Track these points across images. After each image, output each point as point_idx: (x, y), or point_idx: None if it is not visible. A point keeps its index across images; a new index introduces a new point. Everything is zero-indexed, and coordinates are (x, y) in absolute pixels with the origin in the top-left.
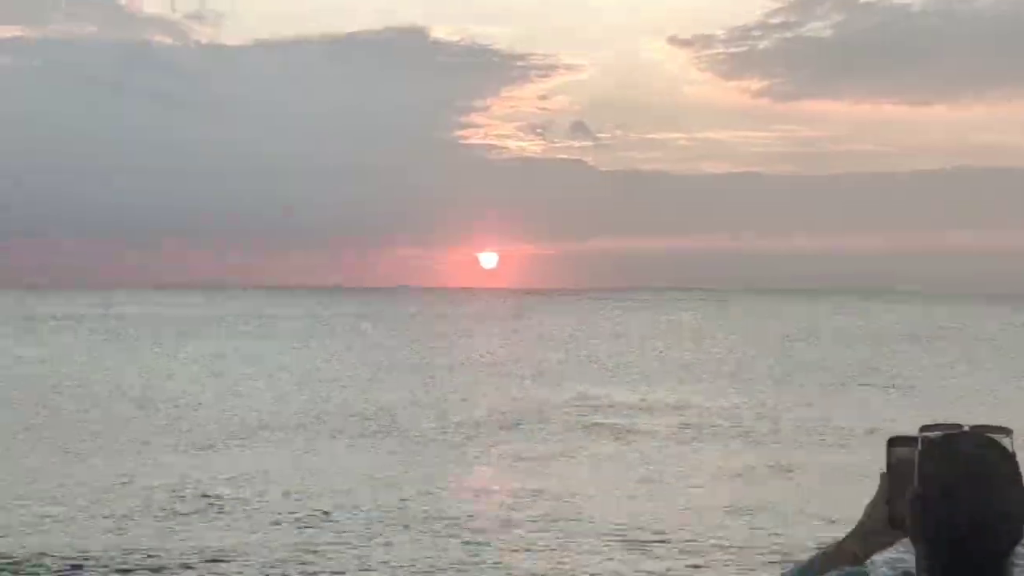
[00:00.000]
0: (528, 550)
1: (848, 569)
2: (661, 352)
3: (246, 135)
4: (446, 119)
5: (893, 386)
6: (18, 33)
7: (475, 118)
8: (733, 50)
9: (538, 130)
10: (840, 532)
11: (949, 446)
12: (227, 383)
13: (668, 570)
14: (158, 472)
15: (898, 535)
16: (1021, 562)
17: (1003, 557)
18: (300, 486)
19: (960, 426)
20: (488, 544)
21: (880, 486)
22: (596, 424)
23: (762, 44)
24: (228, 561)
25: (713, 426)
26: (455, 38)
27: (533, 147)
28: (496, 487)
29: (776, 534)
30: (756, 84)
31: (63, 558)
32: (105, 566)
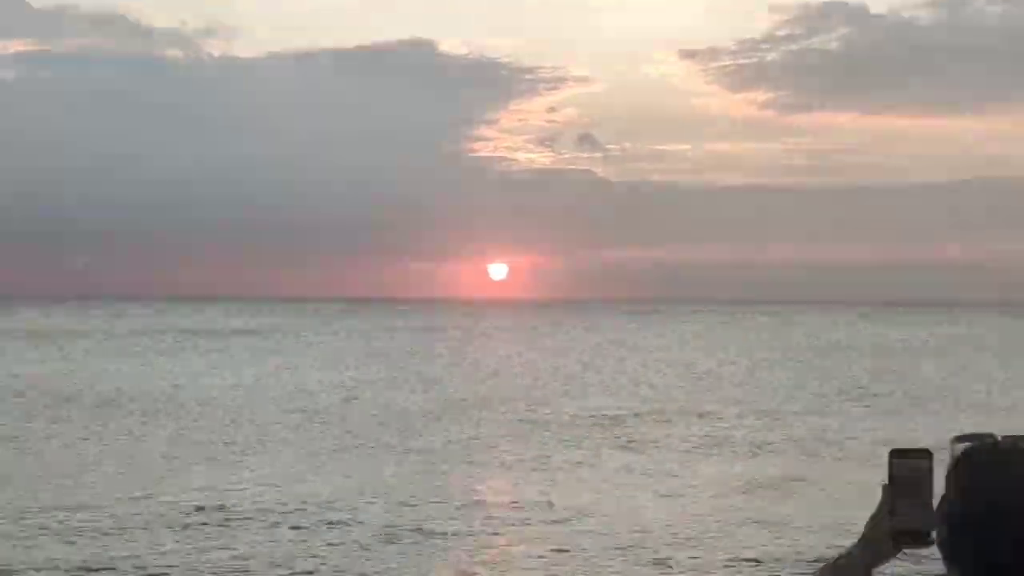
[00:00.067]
0: (540, 557)
1: None
2: (671, 363)
3: (257, 148)
4: (455, 132)
5: (905, 396)
6: (30, 48)
7: (484, 131)
8: (741, 62)
9: (547, 142)
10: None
11: (998, 456)
12: (247, 393)
13: None
14: (185, 483)
15: (901, 548)
16: None
17: None
18: (306, 496)
19: (993, 436)
20: (494, 553)
21: (882, 498)
22: (608, 434)
23: (770, 56)
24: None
25: (726, 438)
26: (464, 51)
27: (542, 159)
28: (507, 498)
29: (786, 546)
30: (763, 96)
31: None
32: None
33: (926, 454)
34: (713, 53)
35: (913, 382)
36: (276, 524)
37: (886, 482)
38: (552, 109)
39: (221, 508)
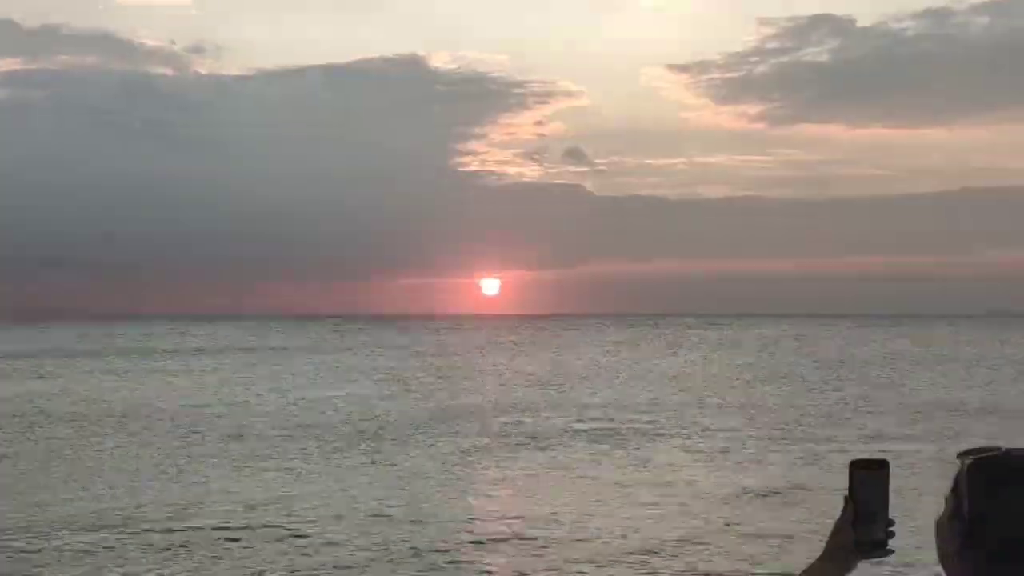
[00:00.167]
0: (535, 570)
1: None
2: (663, 375)
3: (245, 165)
4: (444, 147)
5: (900, 407)
6: (18, 66)
7: (473, 146)
8: (730, 75)
9: (535, 156)
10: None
11: (1013, 463)
12: (239, 409)
13: None
14: (164, 498)
15: (863, 558)
16: None
17: None
18: (295, 514)
19: (999, 448)
20: (488, 570)
21: (844, 510)
22: (600, 447)
23: (759, 69)
24: None
25: (721, 449)
26: (453, 66)
27: (531, 173)
28: (499, 513)
29: (777, 558)
30: (753, 109)
31: None
32: None
33: (885, 464)
34: (702, 67)
35: (908, 394)
36: (266, 542)
37: (847, 494)
38: (541, 123)
39: (207, 527)
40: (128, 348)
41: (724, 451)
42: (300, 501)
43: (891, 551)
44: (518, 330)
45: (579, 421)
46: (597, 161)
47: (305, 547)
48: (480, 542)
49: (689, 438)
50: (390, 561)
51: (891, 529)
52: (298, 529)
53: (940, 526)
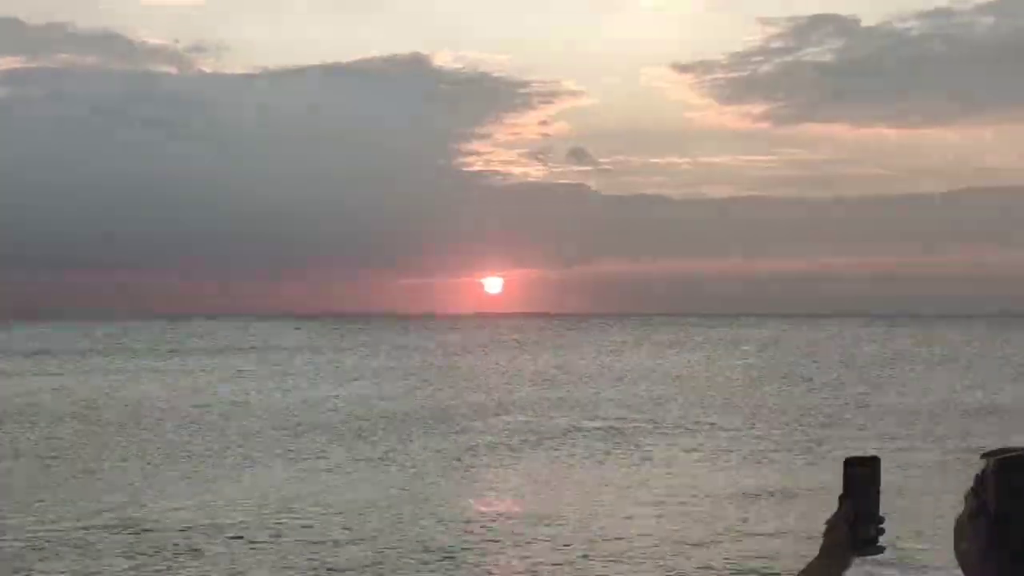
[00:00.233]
0: (538, 569)
1: None
2: (667, 374)
3: (247, 163)
4: (448, 147)
5: (905, 406)
6: (19, 65)
7: (477, 145)
8: (734, 75)
9: (539, 156)
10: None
11: None
12: (238, 408)
13: None
14: (170, 501)
15: (858, 555)
16: None
17: None
18: (299, 513)
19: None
20: (493, 567)
21: (840, 508)
22: (604, 445)
23: (763, 69)
24: None
25: (724, 448)
26: (457, 66)
27: (535, 173)
28: (507, 506)
29: (777, 558)
30: (757, 108)
31: None
32: None
33: (877, 462)
34: (706, 66)
35: (909, 394)
36: (269, 541)
37: (842, 492)
38: (545, 123)
39: (212, 527)
40: (128, 348)
41: (726, 450)
42: (301, 500)
43: (883, 548)
44: (521, 329)
45: (582, 420)
46: (601, 161)
47: (306, 546)
48: (483, 541)
49: (692, 437)
50: (392, 560)
51: (881, 526)
52: (299, 528)
53: (960, 526)
